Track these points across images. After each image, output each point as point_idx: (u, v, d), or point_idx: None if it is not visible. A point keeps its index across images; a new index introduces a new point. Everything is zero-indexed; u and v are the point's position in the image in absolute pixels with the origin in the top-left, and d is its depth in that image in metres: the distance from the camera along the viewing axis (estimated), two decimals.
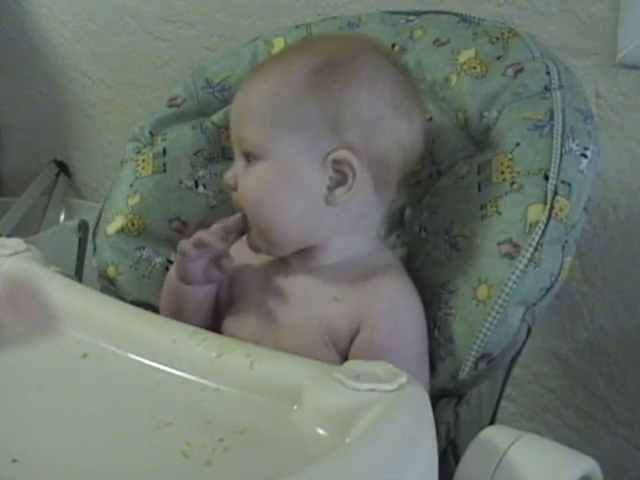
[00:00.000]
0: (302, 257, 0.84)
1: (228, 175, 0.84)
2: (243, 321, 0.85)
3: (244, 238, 0.86)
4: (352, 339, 0.80)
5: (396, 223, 0.95)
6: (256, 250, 0.84)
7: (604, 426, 1.25)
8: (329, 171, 0.80)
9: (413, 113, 0.84)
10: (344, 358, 0.80)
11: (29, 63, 1.81)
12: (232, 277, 0.89)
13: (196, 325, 0.79)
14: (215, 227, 0.84)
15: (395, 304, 0.81)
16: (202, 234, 0.83)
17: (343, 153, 0.80)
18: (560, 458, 0.72)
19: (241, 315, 0.85)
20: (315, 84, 0.80)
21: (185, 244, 0.83)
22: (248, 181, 0.82)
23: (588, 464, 0.73)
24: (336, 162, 0.80)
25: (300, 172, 0.80)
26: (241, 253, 0.87)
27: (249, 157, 0.82)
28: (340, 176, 0.80)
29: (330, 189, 0.80)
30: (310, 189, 0.80)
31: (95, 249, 1.01)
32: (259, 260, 0.87)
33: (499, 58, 0.90)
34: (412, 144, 0.84)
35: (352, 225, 0.83)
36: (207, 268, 0.84)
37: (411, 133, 0.83)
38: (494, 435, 0.74)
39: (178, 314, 0.85)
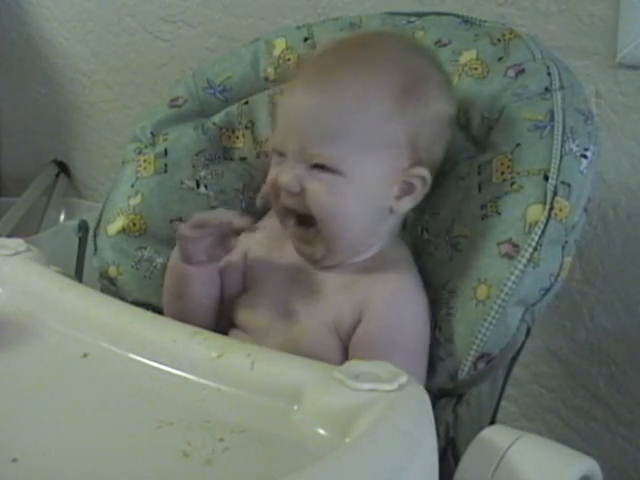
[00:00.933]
0: None
1: (287, 178, 0.81)
2: (256, 310, 0.85)
3: (265, 228, 0.89)
4: (354, 328, 0.81)
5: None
6: (313, 261, 0.84)
7: (604, 426, 1.25)
8: (400, 182, 0.83)
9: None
10: (346, 347, 0.81)
11: (29, 63, 1.81)
12: (249, 266, 0.90)
13: (200, 312, 0.81)
14: (220, 211, 0.85)
15: (398, 297, 0.82)
16: (203, 215, 0.84)
17: (422, 171, 0.83)
18: (560, 458, 0.72)
19: (255, 304, 0.86)
20: (404, 107, 0.81)
21: (183, 226, 0.84)
22: (323, 191, 0.80)
23: (588, 464, 0.73)
24: (409, 176, 0.83)
25: (376, 188, 0.82)
26: (261, 243, 0.89)
27: (322, 167, 0.80)
28: (407, 187, 0.83)
29: (397, 199, 0.83)
30: (381, 202, 0.83)
31: (96, 249, 1.01)
32: (279, 252, 0.88)
33: (500, 59, 0.91)
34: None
35: (395, 227, 0.87)
36: (210, 248, 0.83)
37: (450, 135, 0.87)
38: (494, 435, 0.74)
39: (181, 298, 0.86)
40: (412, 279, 0.84)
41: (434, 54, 0.92)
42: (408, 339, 0.81)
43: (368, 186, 0.81)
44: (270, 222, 0.91)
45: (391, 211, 0.84)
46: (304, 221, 0.83)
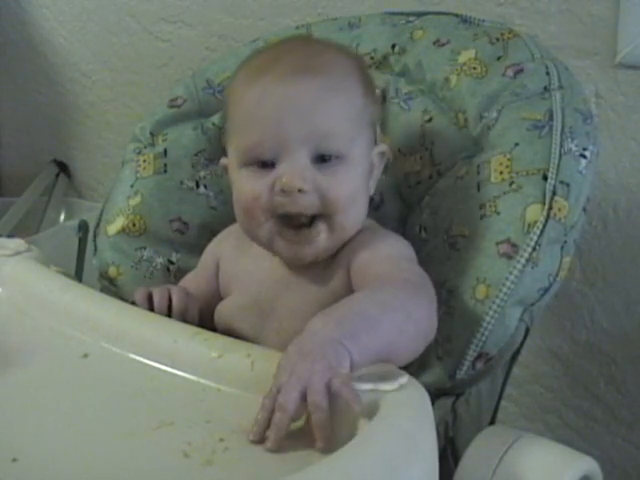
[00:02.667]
0: None
1: (293, 177, 0.77)
2: (243, 313, 0.85)
3: (236, 231, 0.87)
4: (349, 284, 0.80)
5: (397, 224, 0.95)
6: (305, 261, 0.81)
7: (604, 426, 1.25)
8: (368, 165, 0.83)
9: None
10: None
11: (29, 63, 1.81)
12: (222, 276, 0.90)
13: None
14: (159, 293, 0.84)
15: (377, 236, 0.83)
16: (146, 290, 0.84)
17: (383, 147, 0.86)
18: (560, 458, 0.72)
19: (240, 305, 0.86)
20: (368, 86, 0.84)
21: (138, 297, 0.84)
22: (337, 181, 0.79)
23: (588, 464, 0.73)
24: (374, 155, 0.84)
25: (365, 167, 0.83)
26: (231, 249, 0.88)
27: (327, 155, 0.78)
28: (370, 167, 0.84)
29: (369, 178, 0.84)
30: (367, 182, 0.84)
31: (96, 249, 1.01)
32: (250, 252, 0.87)
33: (499, 59, 0.91)
34: None
35: (366, 211, 0.86)
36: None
37: None
38: (494, 435, 0.74)
39: None
40: (382, 230, 0.86)
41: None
42: (399, 254, 0.81)
43: (361, 165, 0.82)
44: (236, 227, 0.90)
45: (368, 191, 0.84)
46: (298, 225, 0.80)
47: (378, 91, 0.94)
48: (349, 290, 0.79)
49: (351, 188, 0.80)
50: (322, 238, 0.80)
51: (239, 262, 0.88)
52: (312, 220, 0.79)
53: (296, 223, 0.79)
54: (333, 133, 0.78)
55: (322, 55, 0.82)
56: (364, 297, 0.73)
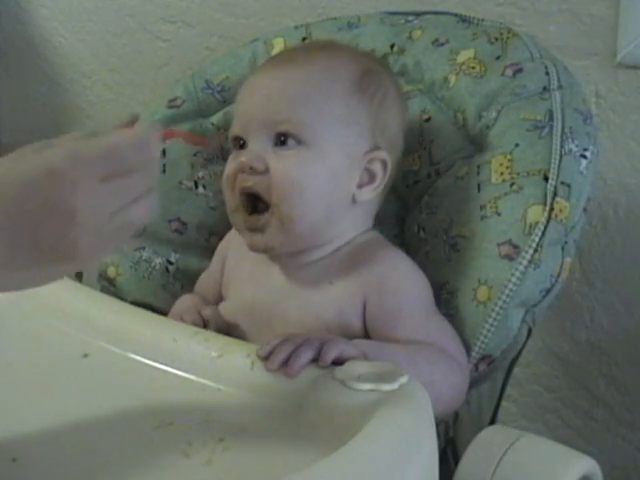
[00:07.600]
0: (296, 254, 0.83)
1: (250, 156, 0.80)
2: (238, 317, 0.85)
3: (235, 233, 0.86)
4: (363, 313, 0.80)
5: (394, 223, 0.95)
6: (270, 251, 0.83)
7: (604, 426, 1.25)
8: (361, 169, 0.82)
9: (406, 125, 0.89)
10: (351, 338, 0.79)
11: (29, 63, 1.81)
12: (226, 274, 0.90)
13: None
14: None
15: (391, 263, 0.82)
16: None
17: (382, 154, 0.82)
18: (560, 458, 0.72)
19: (235, 310, 0.85)
20: (364, 87, 0.82)
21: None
22: (288, 164, 0.79)
23: (588, 464, 0.73)
24: (370, 161, 0.82)
25: (340, 166, 0.81)
26: (234, 247, 0.88)
27: (286, 139, 0.79)
28: (368, 175, 0.82)
29: (359, 187, 0.82)
30: (343, 184, 0.81)
31: None
32: (251, 256, 0.86)
33: (498, 58, 0.91)
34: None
35: (362, 222, 0.85)
36: None
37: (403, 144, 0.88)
38: (494, 435, 0.74)
39: None
40: (393, 248, 0.85)
41: (388, 63, 0.96)
42: (422, 293, 0.81)
43: (332, 160, 0.80)
44: None
45: (354, 201, 0.82)
46: (255, 210, 0.81)
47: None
48: (353, 309, 0.80)
49: (301, 174, 0.79)
50: (271, 228, 0.80)
51: (239, 264, 0.88)
52: (266, 209, 0.80)
53: (253, 207, 0.81)
54: (291, 120, 0.79)
55: (312, 52, 0.84)
56: (397, 346, 0.75)
